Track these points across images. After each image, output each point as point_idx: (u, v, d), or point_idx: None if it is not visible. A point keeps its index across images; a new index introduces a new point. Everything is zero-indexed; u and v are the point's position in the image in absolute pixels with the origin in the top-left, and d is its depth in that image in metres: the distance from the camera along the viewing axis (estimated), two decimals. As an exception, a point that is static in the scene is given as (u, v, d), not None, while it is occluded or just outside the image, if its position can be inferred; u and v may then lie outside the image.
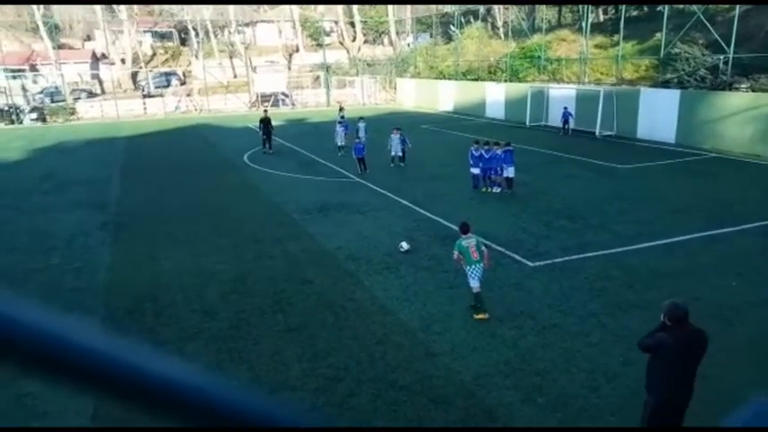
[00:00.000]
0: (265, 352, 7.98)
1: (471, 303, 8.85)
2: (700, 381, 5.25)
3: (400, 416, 6.49)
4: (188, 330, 8.70)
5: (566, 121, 27.55)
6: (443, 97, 41.66)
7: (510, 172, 16.25)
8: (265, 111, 26.55)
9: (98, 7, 50.83)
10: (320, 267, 11.14)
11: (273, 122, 25.78)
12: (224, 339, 8.38)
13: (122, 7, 51.54)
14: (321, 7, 55.79)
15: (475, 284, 8.66)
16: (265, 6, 60.24)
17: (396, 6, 56.39)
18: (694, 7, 26.70)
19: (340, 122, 24.14)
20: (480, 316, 8.68)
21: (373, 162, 20.01)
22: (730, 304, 8.86)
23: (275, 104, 44.82)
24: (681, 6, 28.98)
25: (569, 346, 7.87)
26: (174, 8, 54.46)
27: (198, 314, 9.22)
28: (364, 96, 48.08)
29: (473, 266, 8.61)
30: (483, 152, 16.41)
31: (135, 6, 55.31)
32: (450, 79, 42.45)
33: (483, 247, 8.78)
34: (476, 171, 16.58)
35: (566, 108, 27.72)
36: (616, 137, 25.87)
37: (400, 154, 20.33)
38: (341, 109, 28.46)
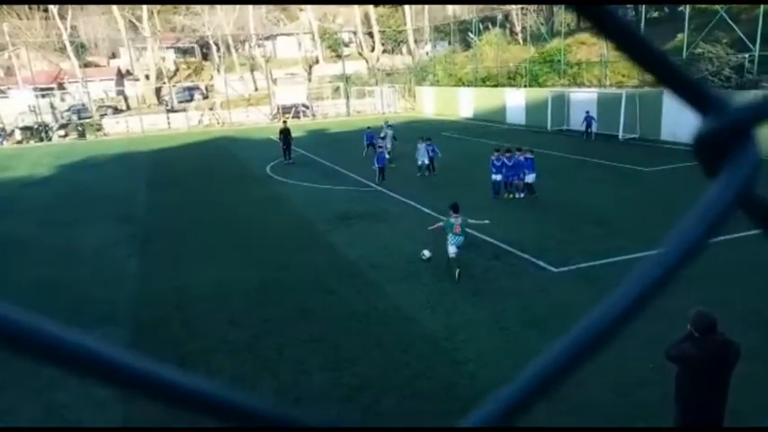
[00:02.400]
0: (289, 361, 8.02)
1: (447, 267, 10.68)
2: (735, 393, 5.09)
3: (424, 423, 6.46)
4: (213, 341, 8.80)
5: (588, 125, 27.29)
6: (463, 104, 41.61)
7: (530, 178, 16.18)
8: (285, 122, 26.88)
9: (122, 25, 52.13)
10: (343, 277, 11.17)
11: (293, 134, 26.12)
12: (249, 349, 8.45)
13: (146, 24, 52.69)
14: (340, 18, 56.34)
15: (452, 250, 10.55)
16: (285, 19, 61.01)
17: (413, 15, 56.65)
18: (717, 6, 26.29)
19: (382, 137, 23.69)
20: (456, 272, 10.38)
21: (395, 170, 20.06)
22: (764, 307, 8.65)
23: (296, 116, 45.26)
24: (703, 6, 28.57)
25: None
26: (196, 24, 55.47)
27: (223, 324, 9.32)
28: (384, 106, 48.28)
29: (455, 238, 10.53)
30: (505, 159, 16.35)
31: (158, 23, 56.54)
32: (469, 86, 42.40)
33: (469, 221, 10.71)
34: (497, 178, 16.50)
35: (587, 112, 27.46)
36: (640, 139, 25.53)
37: (427, 162, 20.17)
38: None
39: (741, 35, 24.27)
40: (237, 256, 12.73)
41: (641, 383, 6.94)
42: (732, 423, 5.13)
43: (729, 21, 24.98)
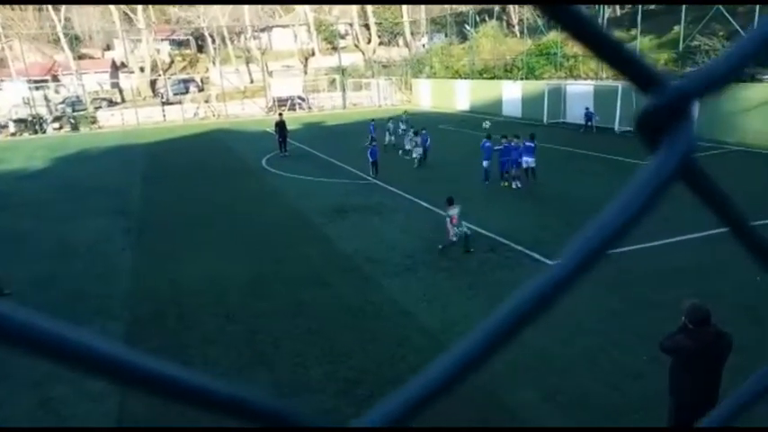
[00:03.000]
0: (285, 355, 8.03)
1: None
2: (728, 383, 5.12)
3: (420, 416, 6.48)
4: (209, 334, 8.80)
5: (589, 119, 27.39)
6: (460, 97, 41.53)
7: (530, 162, 16.41)
8: (280, 114, 26.84)
9: (116, 17, 51.72)
10: (339, 270, 11.18)
11: (289, 126, 26.11)
12: (245, 343, 8.46)
13: (140, 16, 52.34)
14: (336, 10, 56.05)
15: (454, 231, 11.32)
16: (280, 11, 60.67)
17: (410, 7, 56.40)
18: (714, -2, 26.26)
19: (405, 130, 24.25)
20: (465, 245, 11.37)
21: (391, 164, 20.03)
22: (756, 301, 8.69)
23: (292, 108, 45.11)
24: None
25: (590, 344, 7.79)
26: (191, 16, 55.13)
27: (219, 318, 9.32)
28: (380, 98, 48.15)
29: (455, 229, 11.30)
30: (507, 143, 16.65)
31: (152, 15, 56.17)
32: (466, 78, 42.31)
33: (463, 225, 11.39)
34: (487, 164, 16.79)
35: (587, 108, 27.51)
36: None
37: (422, 154, 20.81)
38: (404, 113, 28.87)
39: (738, 27, 24.26)
40: (233, 250, 12.72)
41: (636, 376, 6.98)
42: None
43: (726, 13, 24.96)
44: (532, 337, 8.06)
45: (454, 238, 11.37)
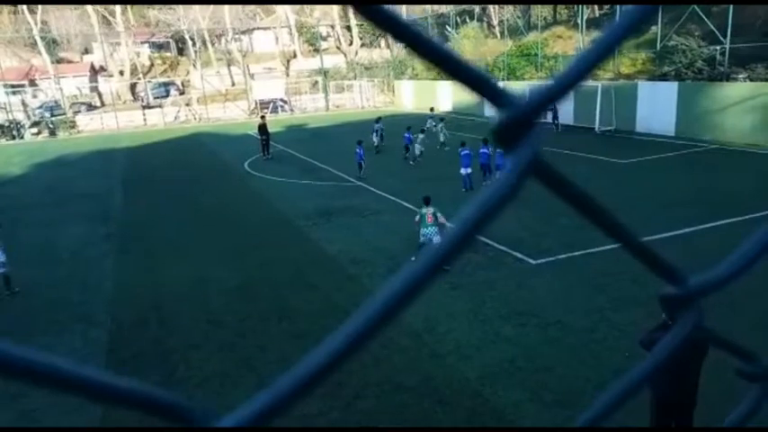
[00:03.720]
0: (271, 358, 8.00)
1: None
2: (704, 375, 5.22)
3: (406, 417, 6.51)
4: (193, 339, 8.73)
5: (554, 117, 27.74)
6: (442, 98, 41.69)
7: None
8: (262, 117, 26.75)
9: (95, 20, 51.11)
10: (323, 272, 11.16)
11: (271, 129, 26.06)
12: (230, 347, 8.41)
13: (119, 19, 51.75)
14: (317, 12, 55.94)
15: (422, 240, 11.11)
16: (261, 13, 60.41)
17: (392, 8, 56.36)
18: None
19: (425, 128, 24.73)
20: None
21: (375, 165, 20.04)
22: (732, 295, 8.84)
23: (274, 111, 44.92)
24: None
25: (574, 342, 7.88)
26: (171, 18, 54.65)
27: (203, 323, 9.26)
28: (363, 100, 48.16)
29: (426, 229, 11.06)
30: (487, 150, 16.73)
31: (131, 18, 55.58)
32: (448, 80, 42.42)
33: (438, 215, 11.09)
34: (465, 171, 16.70)
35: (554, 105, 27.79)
36: (615, 131, 25.86)
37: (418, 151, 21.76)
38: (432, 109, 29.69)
39: (713, 28, 24.68)
40: (216, 254, 12.63)
41: (617, 372, 7.06)
42: (702, 406, 5.25)
43: (701, 14, 25.38)
44: (519, 335, 8.14)
45: (421, 239, 11.20)
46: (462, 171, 16.74)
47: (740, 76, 23.78)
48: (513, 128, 0.42)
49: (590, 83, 28.82)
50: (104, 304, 10.35)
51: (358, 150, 19.66)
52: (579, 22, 33.19)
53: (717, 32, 24.36)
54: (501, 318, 8.69)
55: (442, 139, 23.86)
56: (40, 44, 49.61)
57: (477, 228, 0.41)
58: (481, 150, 17.05)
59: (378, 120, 26.04)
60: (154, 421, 0.40)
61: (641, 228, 12.09)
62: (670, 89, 24.41)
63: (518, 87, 32.73)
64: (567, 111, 28.40)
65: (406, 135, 22.53)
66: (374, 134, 24.72)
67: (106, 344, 8.82)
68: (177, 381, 7.59)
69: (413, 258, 10.85)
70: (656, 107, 24.75)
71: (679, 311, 0.65)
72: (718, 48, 24.69)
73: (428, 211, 11.20)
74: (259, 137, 25.33)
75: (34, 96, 47.92)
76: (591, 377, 7.02)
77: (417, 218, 11.28)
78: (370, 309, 0.40)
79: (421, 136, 21.82)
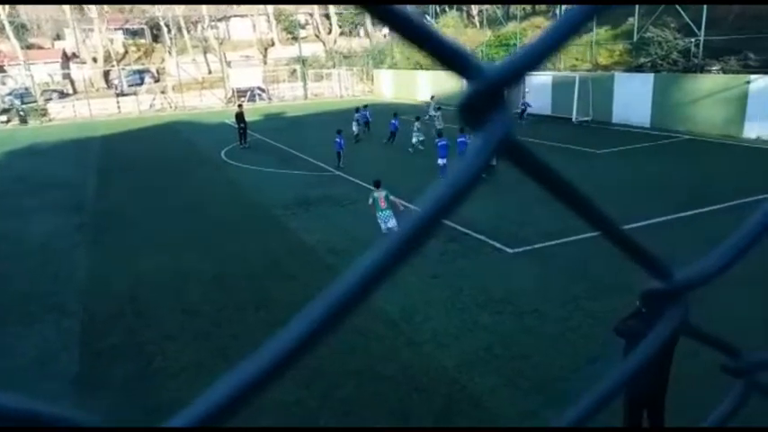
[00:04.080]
0: (247, 348, 7.85)
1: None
2: (676, 366, 5.30)
3: (384, 406, 6.52)
4: (169, 330, 8.63)
5: (524, 109, 27.36)
6: (421, 87, 41.65)
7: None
8: (239, 105, 26.42)
9: (66, 6, 49.81)
10: (302, 262, 11.11)
11: (248, 118, 25.78)
12: (205, 337, 8.34)
13: (92, 5, 50.51)
14: (295, 0, 55.27)
15: (384, 226, 11.06)
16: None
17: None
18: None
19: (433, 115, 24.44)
20: None
21: (354, 155, 19.96)
22: (706, 284, 9.01)
23: (252, 99, 44.41)
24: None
25: (550, 330, 7.97)
26: (145, 5, 53.55)
27: (178, 313, 9.15)
28: (342, 89, 47.87)
29: (382, 213, 11.10)
30: (464, 138, 16.73)
31: (105, 4, 54.30)
32: (427, 69, 42.43)
33: (391, 197, 11.23)
34: (442, 162, 16.67)
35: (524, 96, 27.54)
36: (592, 122, 26.13)
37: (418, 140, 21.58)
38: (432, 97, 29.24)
39: (688, 21, 25.01)
40: (193, 244, 12.48)
41: (594, 360, 7.17)
42: (674, 390, 5.35)
43: (677, 6, 25.68)
44: (495, 323, 8.20)
45: (385, 230, 11.21)
46: (439, 161, 16.74)
47: (714, 68, 24.18)
48: (482, 101, 0.38)
49: (568, 73, 29.06)
50: (77, 295, 10.16)
51: (337, 140, 19.51)
52: (558, 13, 33.34)
53: (692, 25, 24.70)
54: (478, 306, 8.75)
55: (438, 126, 22.99)
56: (8, 29, 48.20)
57: (445, 210, 0.38)
58: (459, 139, 17.07)
59: (358, 109, 25.94)
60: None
61: (616, 217, 12.24)
62: (646, 80, 24.71)
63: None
64: (544, 101, 28.60)
65: (393, 122, 22.62)
66: (354, 123, 24.60)
67: (79, 335, 8.67)
68: (153, 371, 7.50)
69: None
70: (633, 98, 25.05)
71: (664, 306, 0.62)
72: (693, 40, 25.04)
73: (380, 194, 11.25)
74: (236, 125, 25.03)
75: (3, 83, 46.66)
76: (566, 365, 7.11)
77: (370, 201, 11.33)
78: (333, 295, 0.37)
79: (417, 124, 21.73)
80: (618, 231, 0.53)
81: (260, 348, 0.36)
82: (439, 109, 25.20)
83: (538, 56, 0.39)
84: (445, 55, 0.38)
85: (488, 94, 0.38)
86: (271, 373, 0.35)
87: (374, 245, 0.37)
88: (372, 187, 11.63)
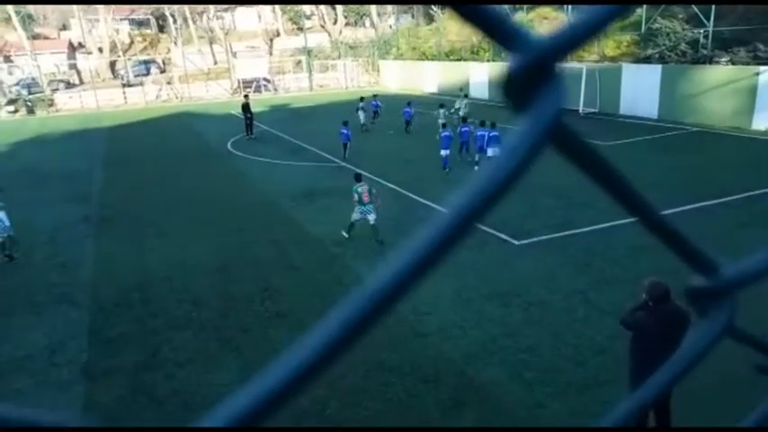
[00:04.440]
0: (254, 339, 7.99)
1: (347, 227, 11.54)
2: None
3: (390, 396, 6.56)
4: (177, 320, 8.69)
5: None
6: (427, 78, 41.47)
7: (497, 152, 16.45)
8: (246, 96, 26.38)
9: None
10: (307, 253, 11.13)
11: (254, 109, 25.79)
12: (213, 328, 8.39)
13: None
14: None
15: (359, 217, 11.36)
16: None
17: (376, -13, 55.80)
18: (674, -19, 26.73)
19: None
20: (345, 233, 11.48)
21: (358, 144, 19.94)
22: (758, 281, 8.98)
23: (257, 90, 44.36)
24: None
25: (556, 322, 7.97)
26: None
27: (186, 304, 9.20)
28: (347, 80, 47.73)
29: (365, 207, 11.28)
30: (470, 128, 16.76)
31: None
32: (433, 60, 42.23)
33: (374, 190, 11.55)
34: (445, 153, 16.73)
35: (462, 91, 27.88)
36: (599, 114, 25.98)
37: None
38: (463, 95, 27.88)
39: (696, 11, 24.77)
40: (199, 235, 12.53)
41: (599, 351, 7.18)
42: (680, 386, 5.34)
43: (686, -4, 25.44)
44: (502, 315, 8.22)
45: (357, 216, 11.38)
46: (442, 152, 16.80)
47: (722, 59, 23.96)
48: (528, 76, 0.33)
49: (574, 65, 28.85)
50: (85, 285, 10.23)
51: (344, 131, 19.44)
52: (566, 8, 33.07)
53: (700, 15, 24.46)
54: (484, 298, 8.76)
55: (461, 113, 22.70)
56: (15, 19, 48.23)
57: (479, 211, 0.33)
58: (462, 129, 17.16)
59: (362, 98, 25.90)
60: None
61: (623, 210, 12.21)
62: (654, 72, 24.52)
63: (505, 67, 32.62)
64: (551, 92, 28.43)
65: (407, 110, 22.78)
66: (361, 112, 24.67)
67: (88, 324, 8.74)
68: (160, 361, 7.56)
69: (344, 233, 11.46)
70: (640, 90, 24.87)
71: (709, 305, 0.55)
72: (701, 31, 24.81)
73: (364, 189, 11.37)
74: (243, 116, 25.02)
75: (10, 73, 46.75)
76: (572, 356, 7.12)
77: (355, 197, 11.37)
78: (358, 302, 0.34)
79: (442, 110, 21.68)
80: (668, 227, 0.50)
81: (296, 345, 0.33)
82: (466, 96, 25.58)
83: (592, 28, 0.34)
84: (487, 22, 0.33)
85: (537, 67, 0.33)
86: (313, 369, 0.32)
87: (404, 246, 0.33)
88: (358, 181, 11.70)
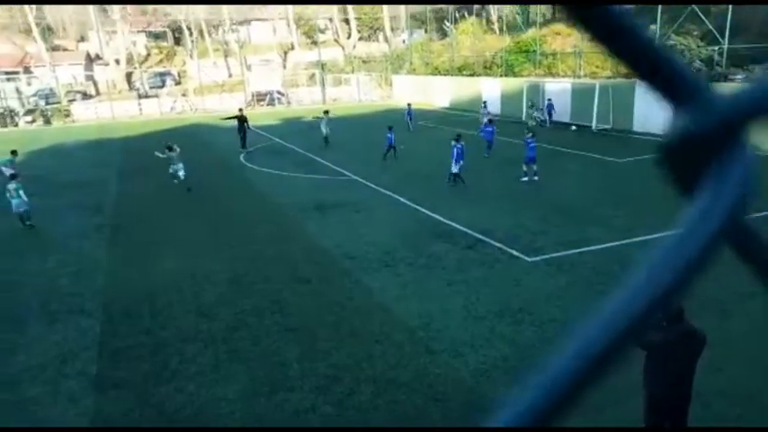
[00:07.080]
0: (264, 352, 7.96)
1: None
2: (698, 375, 5.22)
3: (400, 413, 6.49)
4: (186, 332, 8.69)
5: (549, 113, 28.22)
6: (439, 93, 41.60)
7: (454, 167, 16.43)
8: (240, 110, 26.52)
9: (91, 8, 50.67)
10: (318, 266, 11.12)
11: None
12: (223, 340, 8.37)
13: (115, 7, 51.33)
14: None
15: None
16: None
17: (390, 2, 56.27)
18: (688, -1, 26.69)
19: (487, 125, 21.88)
20: None
21: (371, 159, 19.99)
22: (724, 296, 8.86)
23: (271, 103, 44.73)
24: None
25: (568, 340, 7.87)
26: (168, 7, 54.26)
27: (196, 315, 9.21)
28: (360, 94, 48.00)
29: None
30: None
31: (128, 6, 55.12)
32: (445, 75, 42.38)
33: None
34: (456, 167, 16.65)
35: (549, 100, 28.49)
36: (612, 130, 25.87)
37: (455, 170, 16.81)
38: (484, 104, 28.77)
39: (711, 28, 24.69)
40: (210, 246, 12.57)
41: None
42: (697, 406, 5.26)
43: (700, 14, 25.38)
44: (513, 333, 8.14)
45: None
46: (454, 168, 16.68)
47: (738, 76, 23.82)
48: (708, 143, 0.24)
49: (588, 81, 28.84)
50: (96, 295, 10.28)
51: (389, 135, 20.84)
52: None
53: (715, 32, 24.38)
54: (495, 315, 8.68)
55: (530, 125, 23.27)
56: (35, 31, 49.12)
57: (646, 318, 0.27)
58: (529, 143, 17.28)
59: (326, 112, 26.41)
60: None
61: (639, 226, 12.11)
62: (667, 89, 24.38)
63: (517, 82, 32.62)
64: (563, 109, 28.43)
65: (389, 135, 21.23)
66: (322, 123, 25.48)
67: (99, 335, 8.77)
68: (171, 373, 7.55)
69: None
70: (654, 106, 24.72)
71: (704, 165, 0.32)
72: (716, 48, 24.71)
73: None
74: (238, 130, 25.09)
75: (29, 84, 47.50)
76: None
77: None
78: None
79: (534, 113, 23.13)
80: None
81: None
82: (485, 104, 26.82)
83: None
84: (658, 71, 0.25)
85: (722, 133, 0.25)
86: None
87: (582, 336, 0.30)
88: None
